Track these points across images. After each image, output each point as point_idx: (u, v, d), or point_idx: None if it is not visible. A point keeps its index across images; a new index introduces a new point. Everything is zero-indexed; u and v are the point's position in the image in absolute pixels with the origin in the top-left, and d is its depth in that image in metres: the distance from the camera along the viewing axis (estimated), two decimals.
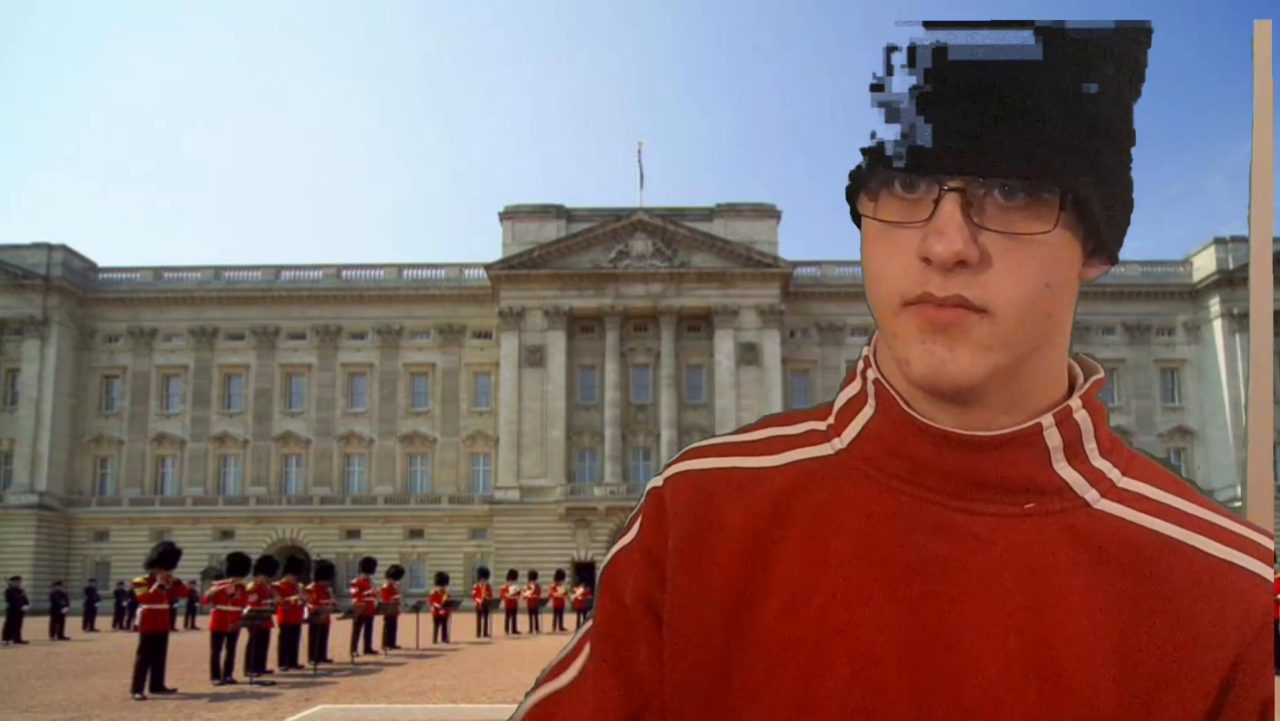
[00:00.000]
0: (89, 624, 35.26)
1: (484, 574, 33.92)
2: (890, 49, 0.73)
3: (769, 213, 56.42)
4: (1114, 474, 0.77)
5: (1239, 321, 53.64)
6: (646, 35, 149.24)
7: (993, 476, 0.75)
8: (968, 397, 0.73)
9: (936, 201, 0.70)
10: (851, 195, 0.77)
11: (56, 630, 30.42)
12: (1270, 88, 0.71)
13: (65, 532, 54.42)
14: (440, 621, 27.44)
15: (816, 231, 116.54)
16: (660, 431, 53.99)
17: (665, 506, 0.85)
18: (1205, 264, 56.26)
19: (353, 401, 57.22)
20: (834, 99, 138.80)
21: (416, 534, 54.38)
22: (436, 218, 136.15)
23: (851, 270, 58.50)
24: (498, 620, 32.51)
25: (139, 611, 15.29)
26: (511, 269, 54.66)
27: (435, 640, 26.50)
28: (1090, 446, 0.77)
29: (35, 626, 30.77)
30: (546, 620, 34.69)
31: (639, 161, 64.69)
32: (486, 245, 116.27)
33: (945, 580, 0.74)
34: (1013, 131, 0.68)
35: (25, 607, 29.34)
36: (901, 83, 0.72)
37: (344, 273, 58.51)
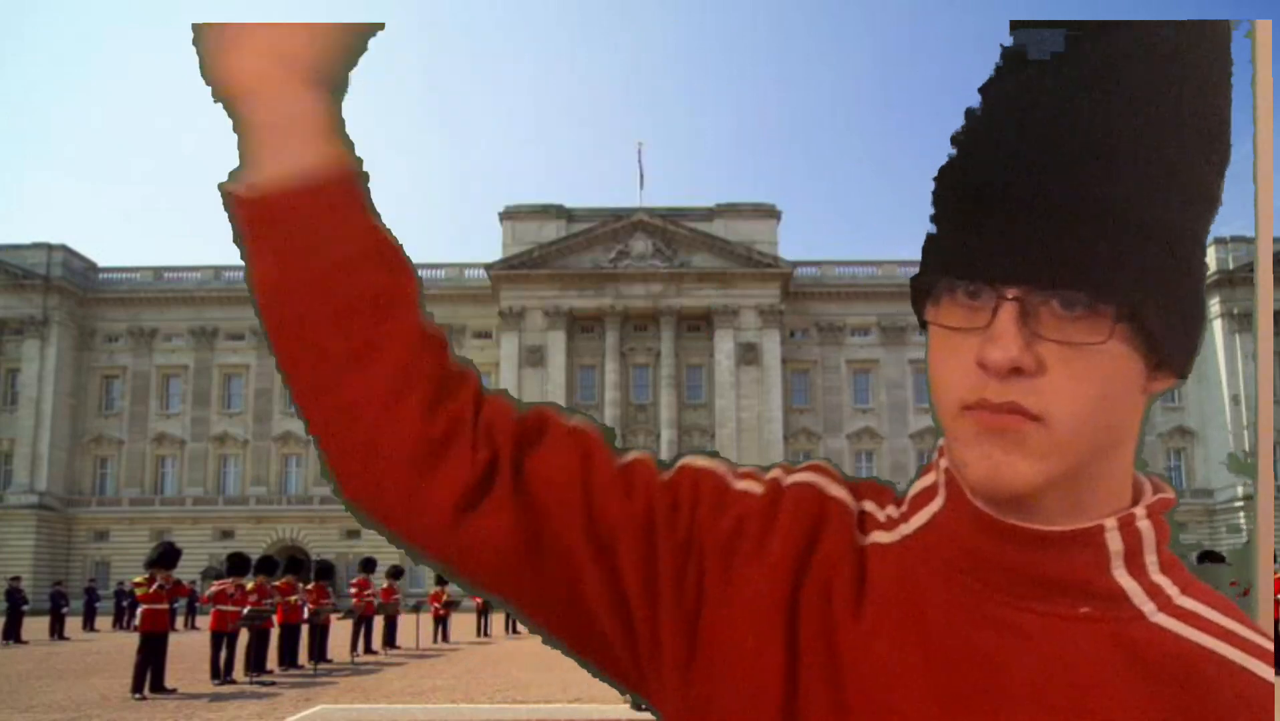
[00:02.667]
0: (89, 624, 35.27)
1: None
2: (954, 144, 0.74)
3: (769, 213, 56.43)
4: (1172, 590, 0.76)
5: (1239, 321, 53.62)
6: (646, 35, 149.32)
7: (1051, 574, 0.74)
8: (1025, 505, 0.73)
9: (995, 309, 0.70)
10: (917, 300, 0.78)
11: (56, 630, 30.45)
12: (1270, 88, 0.70)
13: (65, 532, 54.43)
14: (440, 621, 27.46)
15: (816, 231, 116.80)
16: (660, 431, 54.01)
17: (781, 509, 0.83)
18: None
19: None
20: (834, 99, 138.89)
21: None
22: (436, 218, 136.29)
23: (851, 270, 58.59)
24: (498, 620, 32.50)
25: (139, 611, 15.30)
26: (512, 269, 54.67)
27: (435, 640, 26.52)
28: (1150, 559, 0.76)
29: (35, 626, 30.77)
30: None
31: (639, 161, 64.82)
32: (486, 245, 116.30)
33: (992, 675, 0.73)
34: (1071, 242, 0.68)
35: (25, 607, 29.37)
36: (957, 184, 0.73)
37: None
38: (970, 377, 0.71)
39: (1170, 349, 0.72)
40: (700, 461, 0.89)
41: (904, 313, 56.59)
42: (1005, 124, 0.71)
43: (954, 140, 0.75)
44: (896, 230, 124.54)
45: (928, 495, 0.83)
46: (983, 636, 0.74)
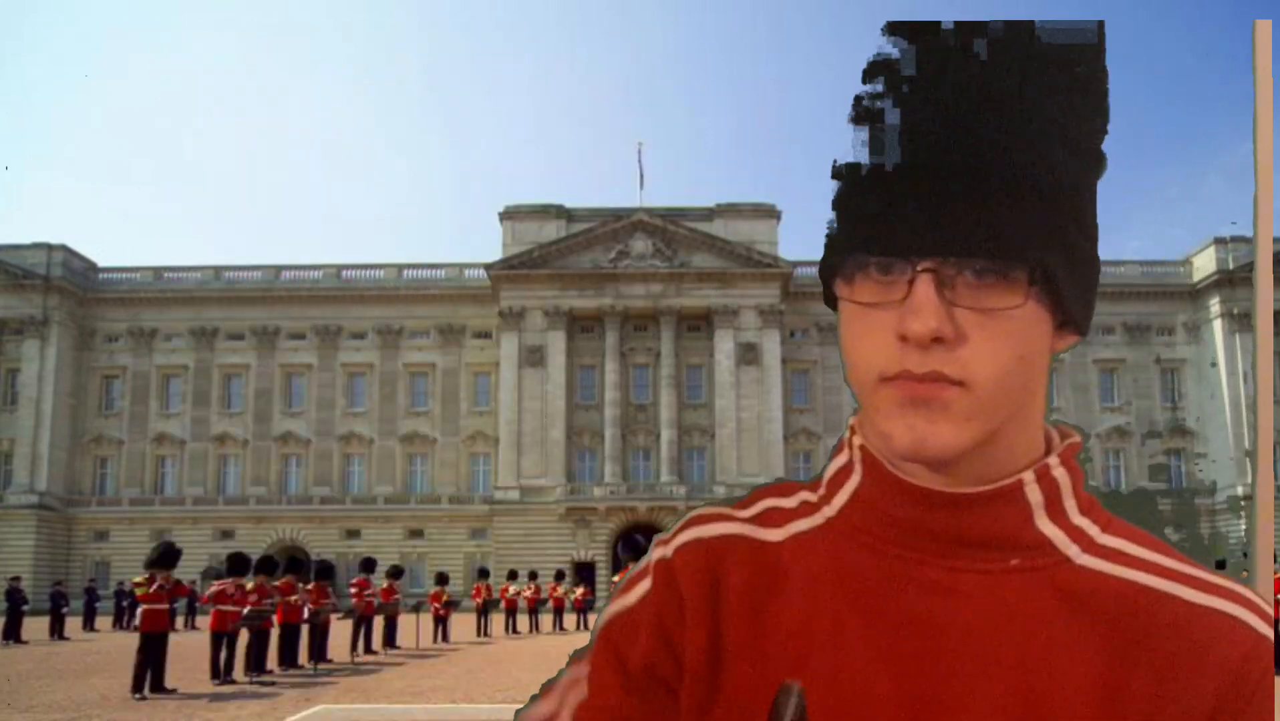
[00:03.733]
0: (89, 624, 35.25)
1: (484, 574, 33.91)
2: (857, 125, 0.76)
3: (769, 213, 56.41)
4: (1094, 530, 0.80)
5: (1239, 321, 53.63)
6: (646, 35, 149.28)
7: (977, 533, 0.77)
8: (948, 468, 0.76)
9: (911, 282, 0.72)
10: (826, 277, 0.79)
11: (56, 630, 30.43)
12: (1270, 88, 0.71)
13: (65, 532, 54.42)
14: (440, 621, 27.44)
15: (816, 231, 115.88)
16: (660, 431, 53.99)
17: (676, 575, 0.85)
18: (1205, 264, 56.27)
19: (353, 401, 57.22)
20: (834, 99, 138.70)
21: (416, 534, 54.38)
22: (436, 218, 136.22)
23: None
24: (498, 620, 32.52)
25: (139, 611, 15.29)
26: (511, 269, 54.66)
27: (435, 640, 26.50)
28: (1070, 504, 0.80)
29: (35, 626, 30.76)
30: (546, 620, 34.70)
31: (639, 161, 64.83)
32: (486, 245, 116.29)
33: (933, 637, 0.76)
34: (983, 212, 0.70)
35: (25, 607, 29.34)
36: (860, 161, 0.75)
37: (344, 273, 58.51)
38: (889, 350, 0.73)
39: (1074, 307, 0.76)
40: (599, 622, 0.89)
41: None
42: (908, 103, 0.73)
43: (855, 121, 0.76)
44: None
45: (844, 474, 0.85)
46: (920, 600, 0.77)
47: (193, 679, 15.78)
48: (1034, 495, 0.78)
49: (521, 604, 33.39)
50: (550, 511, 52.16)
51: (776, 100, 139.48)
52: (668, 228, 54.84)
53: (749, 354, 54.31)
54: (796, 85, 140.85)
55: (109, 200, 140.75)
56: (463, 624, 30.77)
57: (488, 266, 55.35)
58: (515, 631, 31.88)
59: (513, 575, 35.28)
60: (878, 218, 0.73)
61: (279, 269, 58.69)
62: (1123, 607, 0.76)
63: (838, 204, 0.77)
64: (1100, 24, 0.74)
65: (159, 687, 14.41)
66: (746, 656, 0.81)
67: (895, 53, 0.75)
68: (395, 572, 26.95)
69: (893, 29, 0.76)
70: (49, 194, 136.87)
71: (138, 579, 15.57)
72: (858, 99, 0.76)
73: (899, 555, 0.79)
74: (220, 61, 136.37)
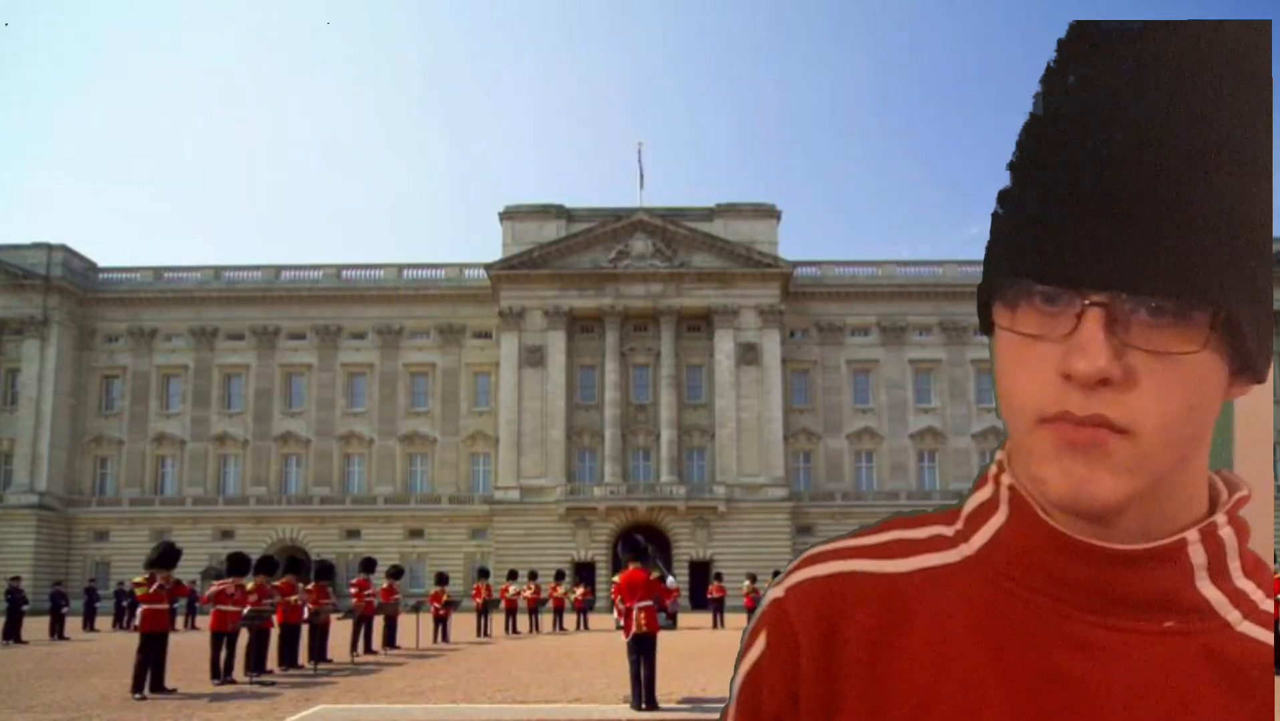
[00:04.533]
0: (89, 624, 35.25)
1: (484, 574, 33.92)
2: (1022, 140, 0.71)
3: (769, 213, 56.42)
4: (1258, 595, 0.75)
5: None
6: (646, 35, 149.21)
7: (1132, 592, 0.72)
8: (1106, 519, 0.71)
9: (1079, 316, 0.67)
10: (984, 301, 0.74)
11: (56, 630, 30.43)
12: (1270, 88, 0.71)
13: (65, 532, 54.43)
14: (440, 621, 27.43)
15: (816, 231, 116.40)
16: (660, 431, 54.00)
17: (792, 620, 0.82)
18: None
19: (353, 401, 57.23)
20: (834, 99, 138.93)
21: (416, 534, 54.39)
22: (436, 218, 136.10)
23: (851, 270, 58.58)
24: (498, 620, 32.52)
25: (139, 611, 15.28)
26: (511, 269, 54.68)
27: (435, 640, 26.49)
28: (1234, 565, 0.75)
29: (35, 626, 30.77)
30: (546, 620, 34.68)
31: (639, 161, 64.76)
32: (486, 245, 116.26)
33: (1076, 697, 0.71)
34: (1164, 245, 0.64)
35: (25, 607, 29.32)
36: (1033, 182, 0.70)
37: (344, 273, 58.54)
38: (1050, 389, 0.68)
39: (1254, 351, 0.69)
40: (735, 683, 0.87)
41: (904, 312, 56.68)
42: (1086, 119, 0.67)
43: (1027, 133, 0.71)
44: (896, 230, 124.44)
45: (987, 510, 0.80)
46: (1063, 656, 0.72)
47: (193, 679, 15.78)
48: (1197, 556, 0.73)
49: (521, 604, 33.37)
50: (550, 511, 52.17)
51: (776, 100, 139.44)
52: (668, 228, 54.86)
53: (749, 354, 54.32)
54: (796, 85, 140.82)
55: (109, 200, 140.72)
56: (463, 624, 30.77)
57: (488, 266, 55.37)
58: (515, 631, 31.87)
59: (513, 575, 35.28)
60: (1047, 243, 0.67)
61: (279, 269, 58.71)
62: None
63: (1003, 223, 0.71)
64: (1268, 25, 0.69)
65: (159, 687, 14.41)
66: (865, 704, 0.77)
67: (1073, 67, 0.69)
68: (395, 572, 26.95)
69: (1076, 34, 0.70)
70: (49, 194, 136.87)
71: (138, 579, 15.56)
72: (1038, 107, 0.71)
73: (1045, 606, 0.73)
74: (220, 61, 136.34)
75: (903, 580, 0.80)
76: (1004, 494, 0.79)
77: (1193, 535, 0.73)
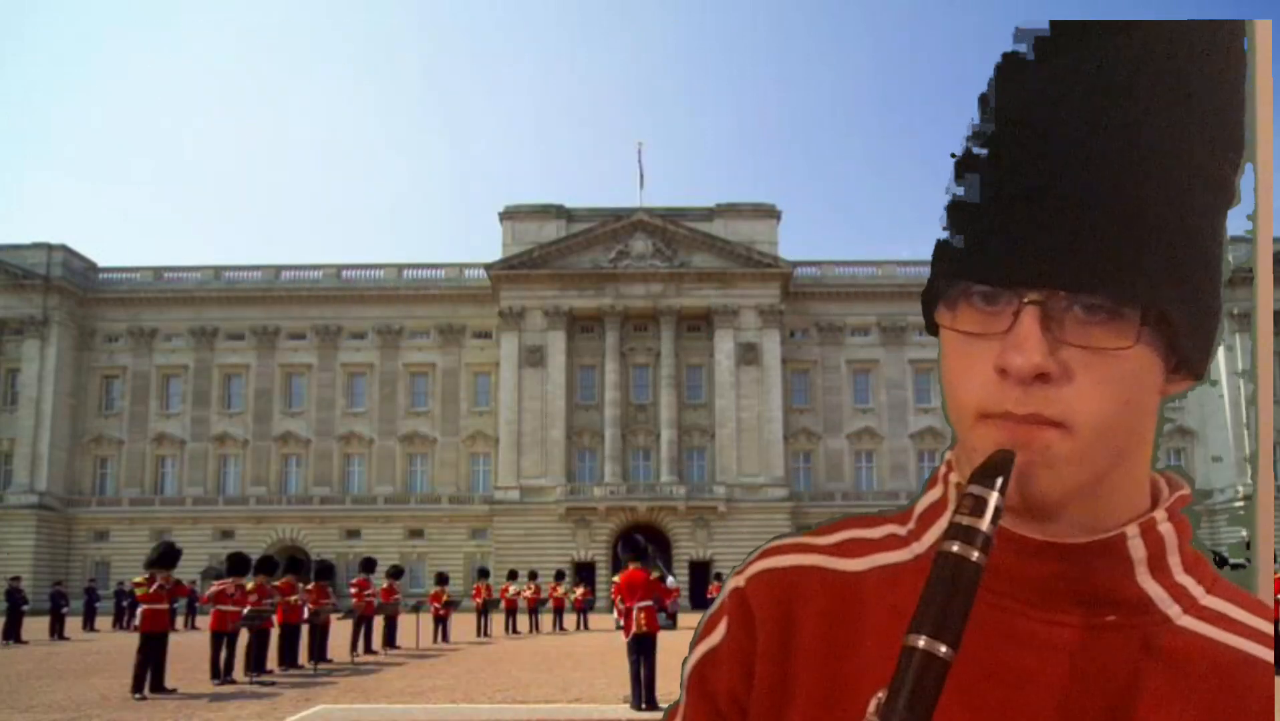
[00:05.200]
0: (89, 624, 35.26)
1: (484, 574, 33.94)
2: (967, 146, 0.72)
3: (769, 213, 56.41)
4: (1197, 591, 0.76)
5: (1239, 321, 53.61)
6: (646, 35, 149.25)
7: (1074, 586, 0.74)
8: (1048, 514, 0.72)
9: (1016, 314, 0.68)
10: (928, 304, 0.76)
11: (56, 630, 30.44)
12: (1270, 87, 0.71)
13: (65, 532, 54.41)
14: (440, 621, 27.45)
15: (816, 231, 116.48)
16: (660, 431, 53.98)
17: (750, 605, 0.84)
18: None
19: (353, 401, 57.22)
20: (834, 99, 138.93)
21: (416, 534, 54.38)
22: (436, 218, 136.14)
23: (851, 270, 58.57)
24: (498, 620, 32.52)
25: (139, 611, 15.29)
26: (511, 269, 54.67)
27: (435, 640, 26.50)
28: (1174, 560, 0.76)
29: (35, 626, 30.77)
30: (546, 620, 34.69)
31: (639, 161, 64.75)
32: (486, 245, 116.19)
33: (1021, 690, 0.72)
34: (1097, 244, 0.66)
35: (25, 607, 29.36)
36: (975, 185, 0.71)
37: (344, 273, 58.52)
38: (989, 386, 0.70)
39: (1190, 350, 0.71)
40: (687, 669, 0.88)
41: (904, 312, 56.61)
42: (1024, 125, 0.69)
43: (969, 142, 0.73)
44: (896, 230, 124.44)
45: (937, 510, 0.82)
46: (1009, 651, 0.74)
47: (193, 679, 15.78)
48: (1137, 550, 0.74)
49: (521, 604, 33.38)
50: (550, 511, 52.16)
51: (776, 100, 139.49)
52: (668, 228, 54.85)
53: (749, 354, 54.31)
54: (796, 85, 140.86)
55: (109, 200, 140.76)
56: (463, 624, 30.77)
57: (488, 266, 55.37)
58: (515, 631, 31.87)
59: (513, 575, 35.29)
60: (985, 244, 0.69)
61: (279, 269, 58.69)
62: (1224, 676, 0.72)
63: (946, 227, 0.73)
64: (1240, 27, 0.70)
65: (159, 687, 14.41)
66: (818, 693, 0.78)
67: (1017, 68, 0.71)
68: (395, 572, 26.97)
69: (1020, 37, 0.71)
70: (49, 194, 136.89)
71: (138, 579, 15.57)
72: (976, 117, 0.72)
73: (988, 601, 0.73)
74: (220, 61, 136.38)
75: (858, 579, 0.82)
76: (951, 492, 0.81)
77: (1132, 530, 0.74)
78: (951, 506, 0.78)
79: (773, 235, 55.99)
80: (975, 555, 0.66)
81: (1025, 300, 0.68)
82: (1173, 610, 0.75)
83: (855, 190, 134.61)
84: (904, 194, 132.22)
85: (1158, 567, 0.75)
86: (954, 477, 0.81)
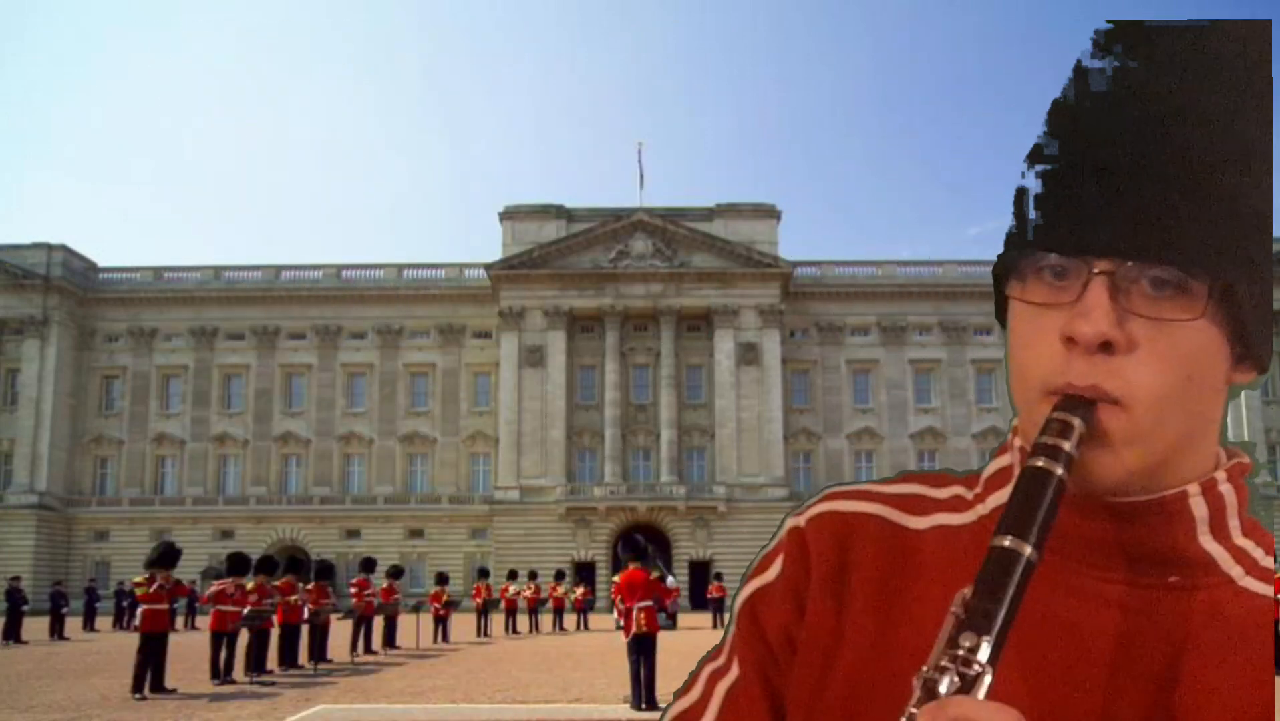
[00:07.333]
0: (89, 624, 35.25)
1: (484, 574, 33.94)
2: (1051, 121, 0.75)
3: (769, 213, 56.41)
4: (1257, 553, 0.77)
5: None
6: (646, 35, 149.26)
7: (1137, 546, 0.74)
8: (1110, 492, 0.73)
9: (1085, 284, 0.70)
10: (999, 280, 0.77)
11: (56, 630, 30.43)
12: (1271, 88, 0.74)
13: (65, 532, 54.41)
14: (440, 621, 27.44)
15: (816, 231, 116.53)
16: (660, 431, 53.98)
17: (808, 544, 0.85)
18: None
19: (353, 401, 57.22)
20: (834, 99, 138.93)
21: (416, 534, 54.38)
22: (436, 218, 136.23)
23: (851, 270, 58.58)
24: (498, 620, 32.51)
25: (139, 611, 15.28)
26: (511, 269, 54.67)
27: (435, 640, 26.50)
28: (1234, 524, 0.77)
29: (35, 626, 30.76)
30: (546, 620, 34.69)
31: (639, 161, 64.73)
32: (486, 245, 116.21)
33: (1077, 644, 0.74)
34: (1168, 216, 0.68)
35: (25, 607, 29.35)
36: (1058, 160, 0.73)
37: (344, 273, 58.53)
38: (1055, 357, 0.71)
39: (1255, 337, 0.72)
40: (737, 602, 0.89)
41: (904, 312, 56.66)
42: (1102, 103, 0.72)
43: (1049, 118, 0.75)
44: (896, 230, 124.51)
45: (1004, 476, 0.83)
46: (1067, 605, 0.75)
47: (193, 679, 15.77)
48: (1199, 509, 0.75)
49: (521, 604, 33.38)
50: (550, 511, 52.17)
51: (776, 100, 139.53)
52: (668, 228, 54.85)
53: (749, 354, 54.31)
54: (796, 85, 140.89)
55: (109, 200, 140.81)
56: (463, 624, 30.77)
57: (488, 266, 55.37)
58: (515, 631, 31.87)
59: (513, 575, 35.29)
60: (1058, 216, 0.71)
61: (279, 269, 58.70)
62: None
63: (1019, 202, 0.75)
64: (1268, 25, 0.72)
65: (159, 687, 14.41)
66: (870, 639, 0.79)
67: (1097, 55, 0.73)
68: (395, 572, 26.97)
69: (1112, 30, 0.73)
70: (49, 194, 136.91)
71: (138, 579, 15.57)
72: (1061, 100, 0.75)
73: (1051, 561, 0.73)
74: (220, 61, 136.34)
75: (918, 536, 0.83)
76: (1017, 457, 0.81)
77: (1193, 488, 0.75)
78: (1017, 471, 0.78)
79: (773, 235, 55.99)
80: (1059, 470, 0.68)
81: (1095, 270, 0.69)
82: (1235, 571, 0.75)
83: (855, 190, 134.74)
84: (904, 194, 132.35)
85: (1219, 529, 0.76)
86: (1018, 442, 0.81)
